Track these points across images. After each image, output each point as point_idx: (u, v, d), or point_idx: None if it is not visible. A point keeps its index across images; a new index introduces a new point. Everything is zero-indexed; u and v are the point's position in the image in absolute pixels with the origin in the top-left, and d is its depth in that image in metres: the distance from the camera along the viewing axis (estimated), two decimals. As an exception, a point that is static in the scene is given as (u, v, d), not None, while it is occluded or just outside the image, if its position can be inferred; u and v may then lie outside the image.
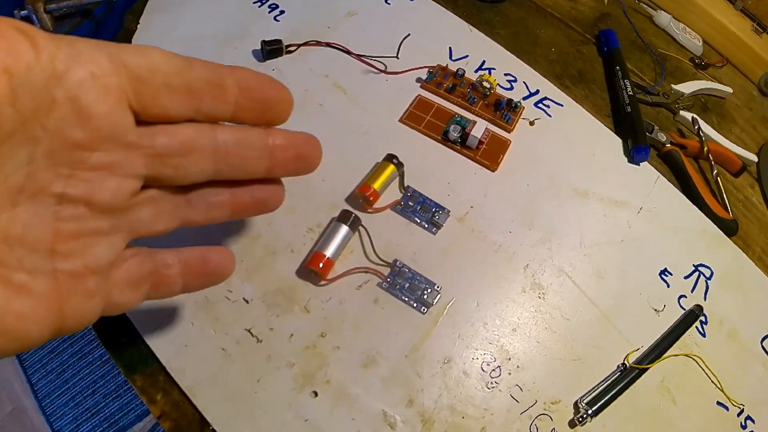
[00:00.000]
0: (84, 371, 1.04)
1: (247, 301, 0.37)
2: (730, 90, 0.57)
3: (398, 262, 0.39)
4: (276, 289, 0.38)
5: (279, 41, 0.47)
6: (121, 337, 0.36)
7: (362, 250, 0.40)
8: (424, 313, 0.38)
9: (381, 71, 0.47)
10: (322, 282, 0.38)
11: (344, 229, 0.38)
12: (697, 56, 0.59)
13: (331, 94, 0.46)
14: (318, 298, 0.38)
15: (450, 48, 0.50)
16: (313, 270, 0.37)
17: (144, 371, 0.36)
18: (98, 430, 1.00)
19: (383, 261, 0.39)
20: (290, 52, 0.48)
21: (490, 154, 0.44)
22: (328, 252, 0.37)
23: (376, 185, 0.40)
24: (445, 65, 0.48)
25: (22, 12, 0.47)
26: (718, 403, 0.40)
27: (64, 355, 1.04)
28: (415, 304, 0.38)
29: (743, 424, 0.40)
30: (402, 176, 0.41)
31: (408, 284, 0.39)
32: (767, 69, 0.60)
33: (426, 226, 0.41)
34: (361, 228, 0.39)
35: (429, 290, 0.39)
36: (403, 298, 0.38)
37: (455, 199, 0.43)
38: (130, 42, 0.47)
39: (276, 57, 0.47)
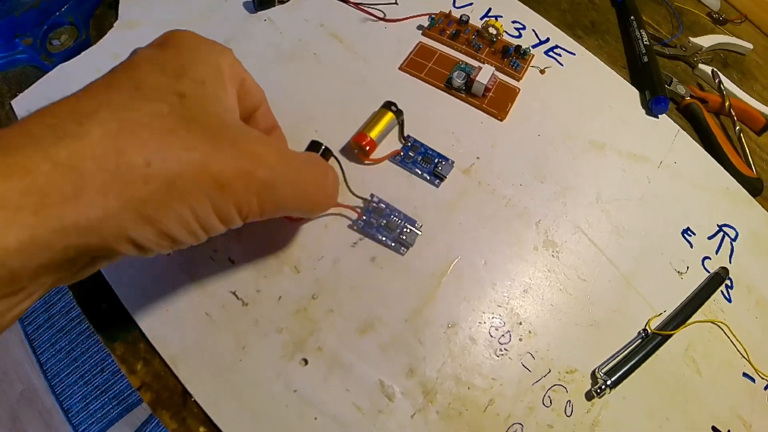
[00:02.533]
0: (93, 349, 0.99)
1: (232, 261, 0.32)
2: (750, 46, 0.50)
3: (374, 197, 0.33)
4: (261, 238, 0.32)
5: (271, -9, 0.41)
6: (101, 303, 0.31)
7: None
8: (403, 255, 0.33)
9: (380, 19, 0.41)
10: (295, 216, 0.32)
11: None
12: (714, 11, 0.52)
13: (327, 43, 0.40)
14: (309, 257, 0.32)
15: (453, -5, 0.44)
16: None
17: (125, 339, 0.31)
18: (107, 408, 0.95)
19: (357, 196, 0.33)
20: (283, 2, 0.41)
21: (497, 103, 0.38)
22: None
23: (373, 134, 0.33)
24: (448, 12, 0.41)
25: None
26: (745, 374, 0.34)
27: (72, 333, 0.99)
28: (393, 244, 0.32)
29: None
30: (402, 125, 0.35)
31: (385, 221, 0.33)
32: (788, 27, 0.53)
33: (428, 178, 0.35)
34: (333, 160, 0.33)
35: (408, 229, 0.33)
36: (380, 237, 0.32)
37: (460, 149, 0.36)
38: (117, 2, 0.42)
39: (268, 7, 0.41)
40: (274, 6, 0.41)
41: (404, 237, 0.32)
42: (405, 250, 0.32)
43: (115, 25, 0.41)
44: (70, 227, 0.18)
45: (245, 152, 0.22)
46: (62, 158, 0.17)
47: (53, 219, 0.17)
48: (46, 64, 0.40)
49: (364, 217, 0.33)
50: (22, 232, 0.16)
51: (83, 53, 0.39)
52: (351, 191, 0.33)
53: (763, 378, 0.34)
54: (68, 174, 0.17)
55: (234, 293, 0.31)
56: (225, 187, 0.21)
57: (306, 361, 0.29)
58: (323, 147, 0.32)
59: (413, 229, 0.33)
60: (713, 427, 0.32)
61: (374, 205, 0.33)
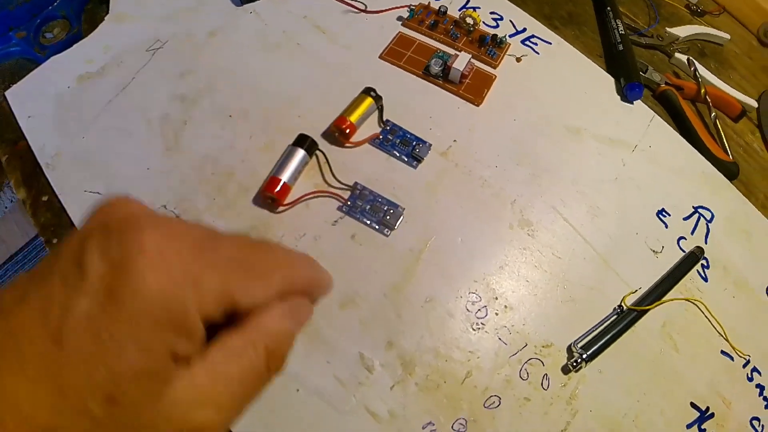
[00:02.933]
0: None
1: (217, 241, 0.33)
2: (727, 36, 0.51)
3: (358, 185, 0.35)
4: (249, 225, 0.34)
5: (256, -16, 0.42)
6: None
7: (321, 176, 0.35)
8: (387, 235, 0.34)
9: (361, 11, 0.43)
10: (280, 208, 0.34)
11: (300, 153, 0.34)
12: (693, 3, 0.54)
13: (310, 34, 0.42)
14: (291, 235, 0.33)
15: (433, -13, 0.45)
16: (269, 196, 0.33)
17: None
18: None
19: (343, 184, 0.35)
20: (268, -5, 0.43)
21: (474, 89, 0.39)
22: (284, 176, 0.33)
23: (353, 118, 0.35)
24: (427, 3, 0.43)
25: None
26: (723, 352, 0.35)
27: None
28: (377, 226, 0.34)
29: (749, 376, 0.35)
30: (381, 110, 0.36)
31: (369, 206, 0.34)
32: (766, 18, 0.54)
33: (406, 159, 0.36)
34: (318, 153, 0.35)
35: (391, 211, 0.34)
36: (365, 220, 0.34)
37: (437, 132, 0.38)
38: (108, 0, 0.43)
39: (254, 0, 0.43)
40: (259, -1, 0.43)
41: (388, 218, 0.34)
42: (389, 231, 0.34)
43: (105, 18, 0.42)
44: None
45: None
46: None
47: None
48: (40, 57, 0.41)
49: (349, 203, 0.34)
50: None
51: (75, 46, 0.41)
52: (336, 179, 0.35)
53: (741, 356, 0.35)
54: None
55: (219, 271, 0.32)
56: None
57: (288, 335, 0.31)
58: (309, 139, 0.34)
59: (396, 211, 0.34)
60: (692, 403, 0.33)
61: (359, 191, 0.34)
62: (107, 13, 0.43)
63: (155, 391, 0.17)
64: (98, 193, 0.35)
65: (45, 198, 0.36)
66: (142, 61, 0.40)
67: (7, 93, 0.39)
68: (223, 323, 0.19)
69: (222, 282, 0.18)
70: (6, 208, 1.05)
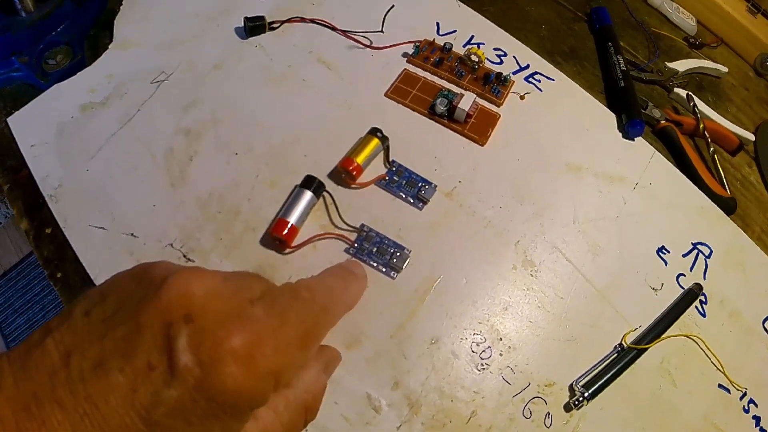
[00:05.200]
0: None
1: (224, 280, 0.34)
2: (725, 69, 0.53)
3: (365, 227, 0.36)
4: (256, 266, 0.35)
5: (262, 18, 0.44)
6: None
7: (328, 218, 0.37)
8: (394, 278, 0.35)
9: (366, 46, 0.44)
10: (287, 250, 0.35)
11: (308, 194, 0.35)
12: (691, 36, 0.56)
13: (315, 69, 0.43)
14: (299, 275, 0.33)
15: (438, 23, 0.47)
16: (277, 237, 0.34)
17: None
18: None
19: (350, 226, 0.36)
20: (273, 28, 0.44)
21: (478, 128, 0.41)
22: (292, 218, 0.34)
23: (359, 159, 0.36)
24: (432, 40, 0.44)
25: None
26: (720, 386, 0.37)
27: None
28: (384, 269, 0.35)
29: (746, 407, 0.36)
30: (387, 150, 0.38)
31: (376, 248, 0.35)
32: (763, 49, 0.56)
33: (412, 201, 0.37)
34: (325, 194, 0.36)
35: (398, 253, 0.35)
36: (372, 263, 0.35)
37: (442, 173, 0.39)
38: (112, 23, 0.44)
39: (259, 34, 0.44)
40: (264, 32, 0.44)
41: (395, 261, 0.35)
42: (396, 273, 0.35)
43: (109, 46, 0.43)
44: None
45: None
46: None
47: None
48: (42, 83, 0.42)
49: (356, 244, 0.35)
50: None
51: (78, 74, 0.42)
52: (343, 220, 0.36)
53: (738, 389, 0.37)
54: None
55: (226, 311, 0.33)
56: None
57: (295, 376, 0.32)
58: (317, 181, 0.35)
59: (402, 253, 0.35)
60: (689, 437, 0.34)
61: (365, 233, 0.36)
62: (110, 40, 0.44)
63: None
64: (104, 228, 0.36)
65: (48, 230, 0.37)
66: (146, 92, 0.41)
67: (9, 119, 0.39)
68: None
69: (293, 366, 0.23)
70: (0, 224, 1.05)
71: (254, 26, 0.43)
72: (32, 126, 0.39)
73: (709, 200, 0.43)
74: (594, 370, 0.35)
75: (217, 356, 0.19)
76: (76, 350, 0.19)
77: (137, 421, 0.18)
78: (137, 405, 0.18)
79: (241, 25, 0.44)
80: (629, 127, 0.43)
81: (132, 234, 0.35)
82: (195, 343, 0.19)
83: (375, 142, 0.37)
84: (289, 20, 0.44)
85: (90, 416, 0.18)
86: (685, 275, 0.39)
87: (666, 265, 0.39)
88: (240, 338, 0.20)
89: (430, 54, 0.44)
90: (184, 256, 0.35)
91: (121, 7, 0.46)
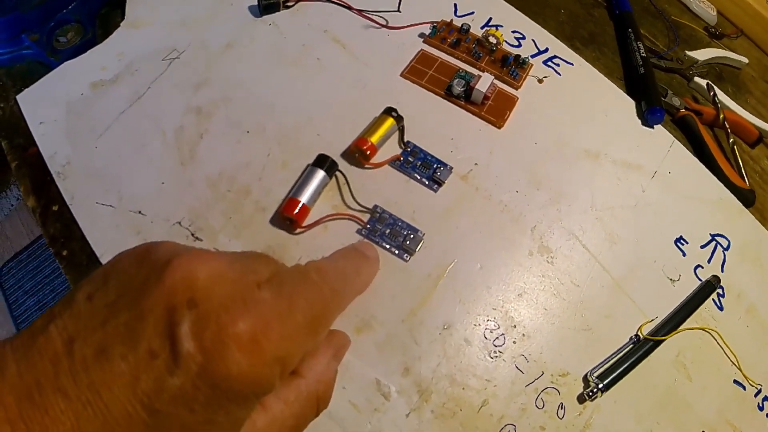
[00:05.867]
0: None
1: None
2: (745, 60, 0.52)
3: (378, 208, 0.35)
4: (266, 247, 0.34)
5: (276, -5, 0.42)
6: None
7: (341, 198, 0.36)
8: (407, 261, 0.34)
9: (382, 26, 0.43)
10: (298, 230, 0.34)
11: (320, 174, 0.34)
12: (711, 26, 0.54)
13: (330, 48, 0.42)
14: (309, 257, 0.33)
15: (455, 4, 0.45)
16: (287, 217, 0.33)
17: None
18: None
19: (363, 207, 0.35)
20: (288, 7, 0.43)
21: (496, 111, 0.40)
22: (303, 198, 0.33)
23: (374, 139, 0.35)
24: (449, 21, 0.43)
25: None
26: (735, 381, 0.35)
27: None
28: (396, 251, 0.34)
29: (760, 405, 0.35)
30: (402, 130, 0.37)
31: (389, 230, 0.34)
32: (783, 42, 0.55)
33: (427, 183, 0.36)
34: (338, 173, 0.35)
35: (411, 236, 0.34)
36: (384, 245, 0.34)
37: (458, 155, 0.38)
38: (124, 1, 0.43)
39: (273, 12, 0.43)
40: (278, 11, 0.43)
41: (408, 243, 0.34)
42: (408, 256, 0.34)
43: (121, 24, 0.42)
44: None
45: None
46: None
47: None
48: (52, 61, 0.41)
49: (369, 226, 0.34)
50: None
51: (89, 52, 0.41)
52: (356, 201, 0.35)
53: (752, 385, 0.35)
54: None
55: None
56: None
57: (304, 359, 0.31)
58: (329, 159, 0.34)
59: (416, 236, 0.34)
60: (703, 432, 0.33)
61: (378, 214, 0.35)
62: (122, 18, 0.43)
63: None
64: (111, 206, 0.35)
65: (55, 208, 0.36)
66: (157, 70, 0.40)
67: (19, 97, 0.39)
68: None
69: (300, 352, 0.22)
70: (12, 206, 1.06)
71: (268, 4, 0.42)
72: (42, 104, 0.38)
73: (728, 191, 0.42)
74: (609, 361, 0.34)
75: (220, 342, 0.18)
76: (78, 337, 0.18)
77: (140, 409, 0.17)
78: (140, 393, 0.17)
79: (255, 3, 0.43)
80: (649, 115, 0.42)
81: (140, 212, 0.35)
82: (198, 329, 0.18)
83: (390, 121, 0.36)
84: (303, -1, 0.43)
85: (93, 404, 0.17)
86: (702, 267, 0.38)
87: (684, 255, 0.38)
88: (245, 324, 0.19)
89: (448, 35, 0.42)
90: (192, 235, 0.34)
91: (132, -14, 0.45)
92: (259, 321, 0.19)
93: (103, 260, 0.33)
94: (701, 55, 0.49)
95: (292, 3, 0.43)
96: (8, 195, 1.04)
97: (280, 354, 0.20)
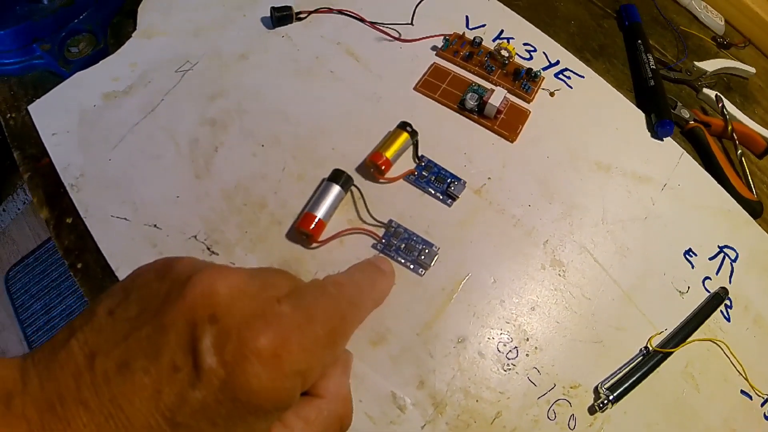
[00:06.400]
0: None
1: (250, 274, 0.33)
2: (753, 70, 0.52)
3: (393, 222, 0.36)
4: (282, 260, 0.34)
5: (289, 8, 0.43)
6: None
7: (356, 212, 0.36)
8: (422, 275, 0.35)
9: (395, 39, 0.43)
10: (314, 245, 0.34)
11: (335, 188, 0.34)
12: (719, 35, 0.55)
13: (343, 61, 0.42)
14: (325, 271, 0.34)
15: (467, 17, 0.46)
16: (303, 232, 0.33)
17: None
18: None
19: (378, 221, 0.35)
20: (300, 18, 0.43)
21: (508, 124, 0.40)
22: (319, 213, 0.33)
23: (389, 153, 0.35)
24: (462, 33, 0.44)
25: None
26: (742, 392, 0.36)
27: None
28: (412, 266, 0.35)
29: (767, 414, 0.36)
30: (416, 145, 0.37)
31: (404, 245, 0.35)
32: (790, 51, 0.55)
33: (441, 197, 0.37)
34: (353, 188, 0.35)
35: (426, 250, 0.35)
36: (399, 259, 0.35)
37: (472, 170, 0.38)
38: (135, 11, 0.43)
39: (286, 24, 0.43)
40: (291, 22, 0.43)
41: (423, 258, 0.34)
42: (423, 271, 0.35)
43: (133, 35, 0.42)
44: None
45: None
46: None
47: None
48: (64, 71, 0.41)
49: (384, 240, 0.35)
50: None
51: (101, 62, 0.41)
52: (371, 215, 0.35)
53: (759, 395, 0.36)
54: None
55: (251, 304, 0.33)
56: None
57: (321, 372, 0.31)
58: (345, 174, 0.35)
59: (430, 250, 0.35)
60: (711, 443, 0.34)
61: (393, 229, 0.35)
62: (134, 28, 0.43)
63: None
64: (126, 219, 0.35)
65: (69, 220, 0.36)
66: (171, 81, 0.40)
67: (30, 107, 0.39)
68: None
69: (320, 366, 0.22)
70: (19, 209, 1.05)
71: (281, 16, 0.42)
72: (53, 114, 0.39)
73: (736, 203, 0.42)
74: (619, 372, 0.34)
75: (242, 357, 0.19)
76: (100, 351, 0.19)
77: (162, 422, 0.18)
78: (162, 406, 0.18)
79: (267, 14, 0.43)
80: (659, 127, 0.42)
81: (155, 225, 0.35)
82: (220, 343, 0.19)
83: (404, 136, 0.36)
84: (316, 11, 0.44)
85: (115, 418, 0.18)
86: (711, 279, 0.39)
87: (693, 267, 0.39)
88: (266, 338, 0.19)
89: (460, 48, 0.43)
90: (208, 249, 0.34)
91: (144, -4, 0.45)
92: (279, 335, 0.20)
93: (119, 273, 0.34)
94: (709, 65, 0.50)
95: (305, 15, 0.43)
96: (15, 199, 1.04)
97: (300, 367, 0.20)
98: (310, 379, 0.22)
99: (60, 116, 0.38)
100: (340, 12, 0.44)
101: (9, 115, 0.40)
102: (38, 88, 0.41)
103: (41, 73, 0.42)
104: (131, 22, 0.43)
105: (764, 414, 0.36)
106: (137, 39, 0.42)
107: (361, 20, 0.43)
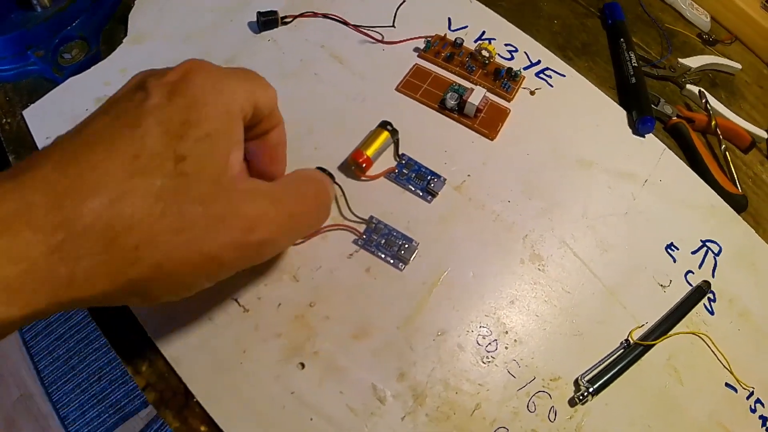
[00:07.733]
0: (90, 358, 1.01)
1: (234, 270, 0.34)
2: (738, 66, 0.53)
3: (374, 218, 0.37)
4: (265, 257, 0.35)
5: (275, 12, 0.44)
6: (108, 308, 0.34)
7: (338, 209, 0.37)
8: (402, 270, 0.36)
9: (378, 41, 0.44)
10: (297, 241, 0.35)
11: None
12: (704, 32, 0.55)
13: (327, 63, 0.43)
14: (307, 267, 0.35)
15: (449, 18, 0.47)
16: None
17: (131, 340, 0.33)
18: (104, 416, 0.98)
19: (359, 218, 0.36)
20: (286, 23, 0.45)
21: (488, 123, 0.41)
22: None
23: (369, 152, 0.37)
24: (443, 35, 0.45)
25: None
26: (727, 384, 0.37)
27: (70, 341, 1.01)
28: (392, 261, 0.36)
29: (752, 407, 0.36)
30: (397, 143, 0.38)
31: (384, 240, 0.36)
32: (778, 47, 0.56)
33: (421, 194, 0.38)
34: (335, 186, 0.36)
35: (406, 245, 0.36)
36: (380, 254, 0.36)
37: (452, 167, 0.40)
38: (127, 18, 0.45)
39: (271, 28, 0.44)
40: (277, 27, 0.44)
41: (403, 253, 0.35)
42: (403, 265, 0.36)
43: (124, 41, 0.44)
44: (66, 302, 0.20)
45: (239, 220, 0.23)
46: (58, 241, 0.19)
47: (51, 297, 0.20)
48: (57, 77, 0.43)
49: (365, 236, 0.36)
50: (24, 308, 0.19)
51: (93, 68, 0.42)
52: (352, 212, 0.36)
53: (745, 388, 0.37)
54: (63, 259, 0.19)
55: (236, 300, 0.34)
56: (217, 260, 0.23)
57: (303, 365, 0.32)
58: (325, 172, 0.35)
59: (410, 245, 0.36)
60: (695, 435, 0.35)
61: (374, 225, 0.36)
62: (125, 34, 0.44)
63: (218, 151, 0.23)
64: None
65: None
66: (160, 85, 0.41)
67: (25, 112, 0.40)
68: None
69: (249, 87, 0.26)
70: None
71: (267, 21, 0.44)
72: (47, 119, 0.40)
73: (720, 198, 0.43)
74: (600, 365, 0.35)
75: (184, 73, 0.24)
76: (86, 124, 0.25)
77: (126, 129, 0.22)
78: (125, 119, 0.22)
79: (254, 19, 0.44)
80: (640, 124, 0.43)
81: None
82: (160, 73, 0.24)
83: (385, 134, 0.37)
84: (301, 15, 0.45)
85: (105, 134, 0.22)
86: (693, 272, 0.39)
87: (674, 262, 0.39)
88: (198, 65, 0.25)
89: (442, 49, 0.44)
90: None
91: (135, 2, 0.46)
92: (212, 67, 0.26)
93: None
94: (694, 62, 0.51)
95: (290, 19, 0.45)
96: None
97: (230, 81, 0.25)
98: (244, 92, 0.26)
99: (54, 121, 0.40)
100: (324, 16, 0.45)
101: (5, 120, 0.41)
102: (33, 94, 0.42)
103: (35, 79, 0.44)
104: (123, 28, 0.45)
105: (750, 407, 0.36)
106: (128, 45, 0.44)
107: (345, 23, 0.45)
